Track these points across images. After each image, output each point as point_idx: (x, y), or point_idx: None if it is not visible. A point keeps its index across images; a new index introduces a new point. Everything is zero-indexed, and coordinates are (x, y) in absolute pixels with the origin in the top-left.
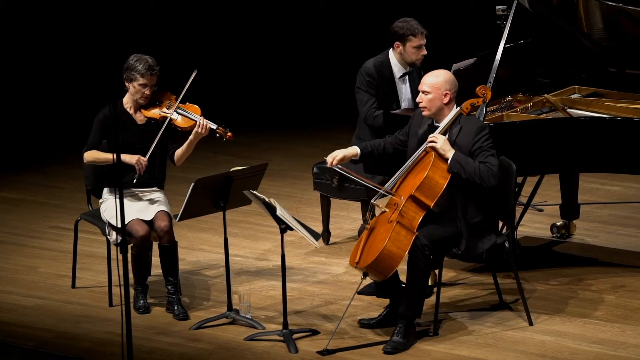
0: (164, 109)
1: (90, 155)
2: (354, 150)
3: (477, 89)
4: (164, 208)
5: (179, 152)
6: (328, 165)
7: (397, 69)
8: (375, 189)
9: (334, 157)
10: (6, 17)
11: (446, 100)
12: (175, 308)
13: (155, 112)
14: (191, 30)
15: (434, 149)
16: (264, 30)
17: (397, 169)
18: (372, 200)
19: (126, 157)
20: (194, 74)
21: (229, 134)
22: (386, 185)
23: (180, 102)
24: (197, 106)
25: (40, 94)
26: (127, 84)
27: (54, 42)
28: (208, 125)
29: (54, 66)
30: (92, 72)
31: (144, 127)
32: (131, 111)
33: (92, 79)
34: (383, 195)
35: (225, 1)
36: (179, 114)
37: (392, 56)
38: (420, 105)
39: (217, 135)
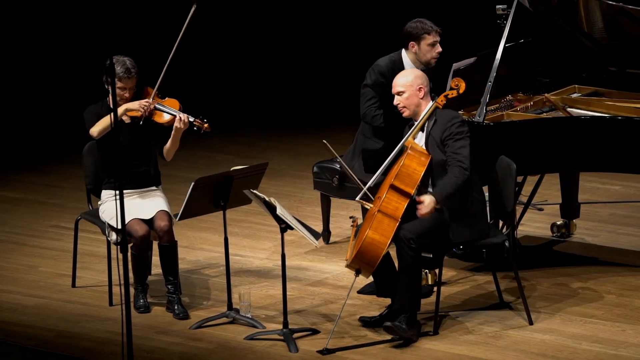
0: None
1: (97, 127)
2: None
3: (451, 81)
4: (163, 207)
5: (165, 147)
6: None
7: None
8: (360, 186)
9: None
10: (6, 17)
11: (421, 94)
12: (176, 307)
13: (136, 112)
14: (191, 30)
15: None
16: (264, 30)
17: None
18: (356, 199)
19: (129, 104)
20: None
21: (206, 125)
22: (369, 183)
23: (160, 98)
24: (175, 100)
25: (40, 94)
26: (107, 86)
27: (54, 42)
28: (187, 119)
29: (54, 66)
30: (92, 72)
31: (131, 126)
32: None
33: (92, 79)
34: (367, 194)
35: (225, 1)
36: (158, 109)
37: (406, 56)
38: (399, 107)
39: (195, 128)
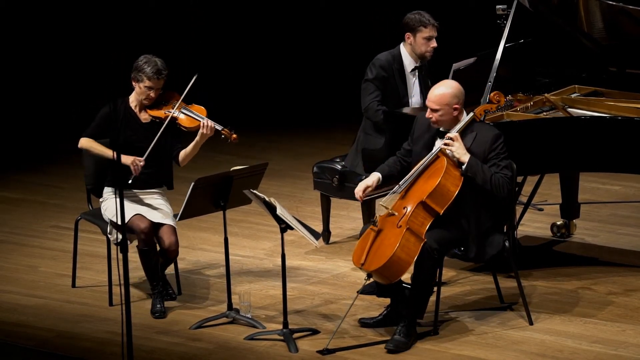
0: (169, 109)
1: (87, 143)
2: (376, 176)
3: (492, 94)
4: (169, 221)
5: (183, 152)
6: (359, 199)
7: (409, 62)
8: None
9: (360, 191)
10: (6, 17)
11: (456, 112)
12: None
13: (160, 112)
14: (191, 29)
15: (449, 151)
16: (264, 30)
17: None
18: (380, 203)
19: (122, 158)
20: (194, 78)
21: (234, 135)
22: (395, 188)
23: (185, 103)
24: (202, 107)
25: (40, 94)
26: (134, 83)
27: (54, 42)
28: (213, 126)
29: (54, 66)
30: (92, 71)
31: (148, 126)
32: (136, 109)
33: (92, 78)
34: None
35: (225, 1)
36: (184, 113)
37: (403, 49)
38: (432, 120)
39: (222, 136)
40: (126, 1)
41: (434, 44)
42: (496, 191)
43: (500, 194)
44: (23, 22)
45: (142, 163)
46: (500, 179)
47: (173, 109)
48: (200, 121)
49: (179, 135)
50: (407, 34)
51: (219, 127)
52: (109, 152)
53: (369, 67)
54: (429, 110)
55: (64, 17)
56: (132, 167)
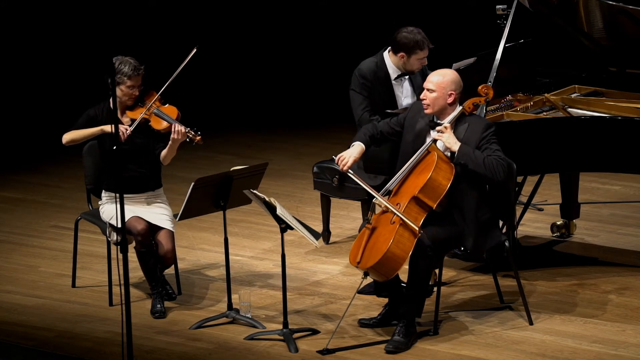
0: (143, 110)
1: (69, 135)
2: (360, 148)
3: (480, 87)
4: (167, 226)
5: (162, 153)
6: (341, 169)
7: (393, 70)
8: (375, 193)
9: (345, 163)
10: (6, 17)
11: (450, 100)
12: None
13: (136, 113)
14: (191, 29)
15: (440, 141)
16: (264, 30)
17: (398, 169)
18: (374, 200)
19: (106, 127)
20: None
21: (198, 137)
22: (388, 185)
23: (160, 104)
24: (174, 107)
25: (40, 94)
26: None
27: (54, 41)
28: (183, 130)
29: (54, 66)
30: (92, 72)
31: (132, 129)
32: (119, 113)
33: (92, 78)
34: (385, 195)
35: (225, 0)
36: (156, 115)
37: (388, 58)
38: (424, 102)
39: (187, 139)
40: (126, 1)
41: (425, 62)
42: (492, 174)
43: (497, 177)
44: (23, 23)
45: (129, 131)
46: (494, 160)
47: (148, 110)
48: (170, 124)
49: (159, 135)
50: (402, 54)
51: (185, 129)
52: (93, 130)
53: (352, 77)
54: (424, 90)
55: (64, 17)
56: (119, 135)
